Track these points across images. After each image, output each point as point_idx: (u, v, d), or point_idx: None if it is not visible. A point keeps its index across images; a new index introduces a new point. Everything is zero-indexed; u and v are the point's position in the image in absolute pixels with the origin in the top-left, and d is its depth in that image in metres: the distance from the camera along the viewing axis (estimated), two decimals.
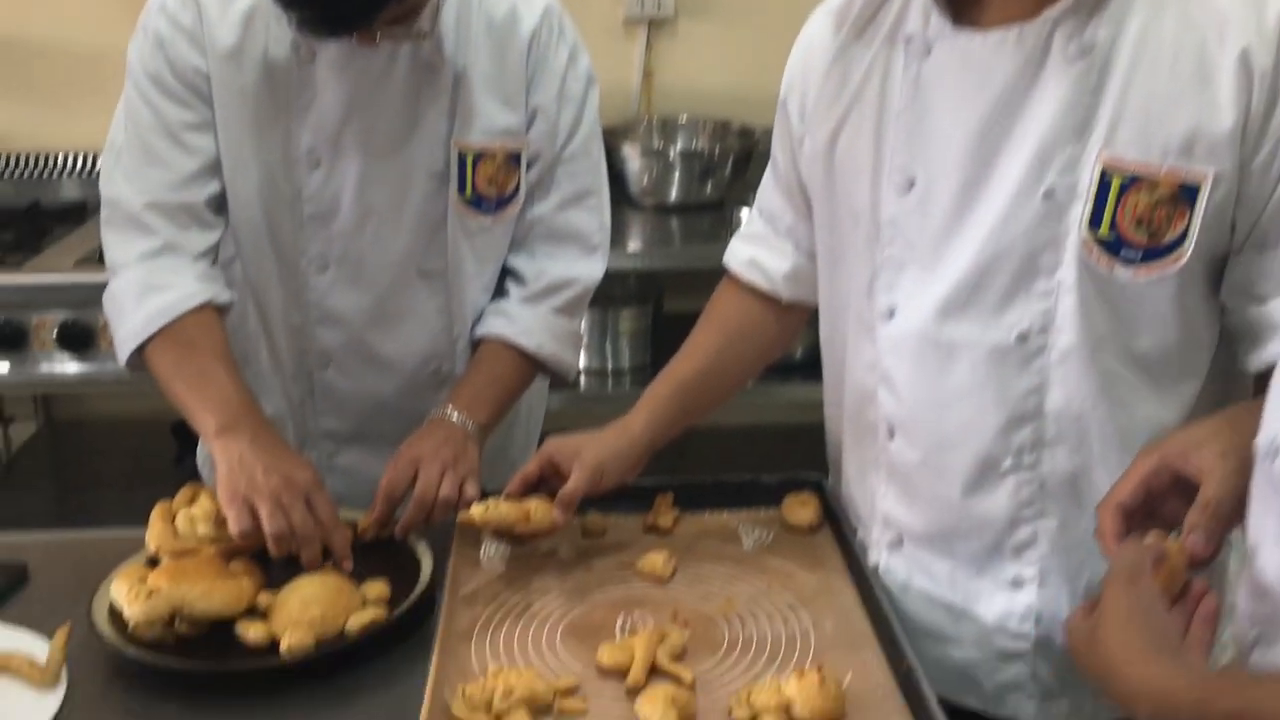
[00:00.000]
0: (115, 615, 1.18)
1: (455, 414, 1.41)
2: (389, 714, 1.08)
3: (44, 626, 1.18)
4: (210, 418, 1.30)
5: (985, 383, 1.06)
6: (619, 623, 1.19)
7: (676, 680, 1.09)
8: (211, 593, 1.15)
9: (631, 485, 1.41)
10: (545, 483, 1.28)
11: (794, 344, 1.91)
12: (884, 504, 1.21)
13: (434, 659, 1.10)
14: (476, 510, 1.24)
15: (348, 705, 1.10)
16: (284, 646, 1.12)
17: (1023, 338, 1.04)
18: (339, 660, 1.14)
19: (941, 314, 1.07)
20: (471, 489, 1.33)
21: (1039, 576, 1.10)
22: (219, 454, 1.28)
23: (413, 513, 1.31)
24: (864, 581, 1.22)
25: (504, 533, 1.29)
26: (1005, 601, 1.13)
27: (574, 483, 1.25)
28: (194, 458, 1.63)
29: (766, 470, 1.44)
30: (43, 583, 1.31)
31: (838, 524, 1.34)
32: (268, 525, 1.22)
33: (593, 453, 1.27)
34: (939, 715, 0.99)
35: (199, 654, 1.14)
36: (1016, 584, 1.11)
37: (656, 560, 1.28)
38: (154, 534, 1.28)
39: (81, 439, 2.80)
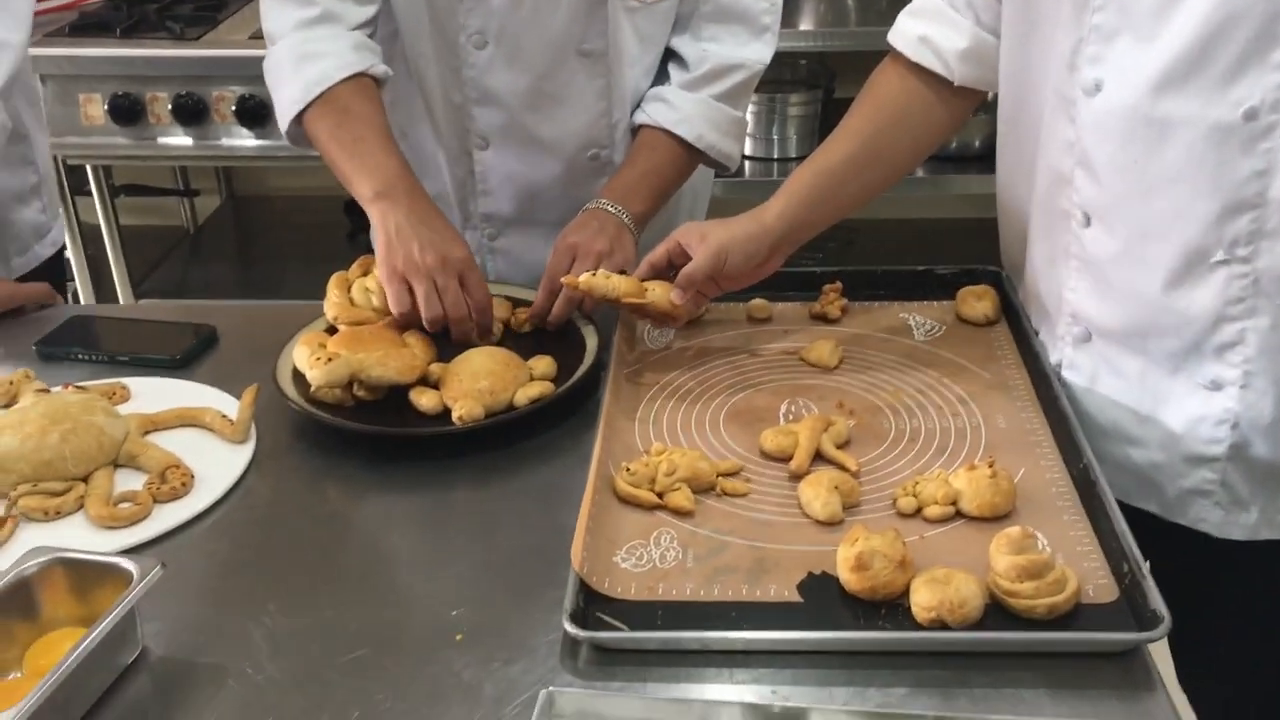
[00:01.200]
0: (298, 378, 1.23)
1: (609, 205, 1.38)
2: (553, 484, 1.11)
3: (232, 386, 1.25)
4: (366, 183, 1.30)
5: (1201, 165, 0.97)
6: (782, 409, 1.18)
7: (840, 467, 1.08)
8: (387, 360, 1.18)
9: (799, 272, 1.37)
10: (674, 268, 1.25)
11: (956, 135, 1.74)
12: (1072, 297, 1.14)
13: (599, 435, 1.11)
14: (584, 276, 1.22)
15: (514, 474, 1.13)
16: (455, 415, 1.15)
17: (1251, 115, 0.93)
18: (506, 431, 1.17)
19: (1157, 88, 0.97)
20: None
21: (1242, 379, 1.03)
22: (376, 221, 1.29)
23: (560, 306, 1.30)
24: (1042, 378, 1.17)
25: (639, 311, 1.25)
26: (1200, 404, 1.06)
27: (694, 263, 1.21)
28: (366, 234, 1.66)
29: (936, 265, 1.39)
30: (230, 346, 1.38)
31: (1015, 319, 1.28)
32: (424, 309, 1.24)
33: (718, 236, 1.22)
34: (1117, 514, 0.96)
35: (376, 418, 1.18)
36: (1215, 386, 1.04)
37: (823, 349, 1.25)
38: (331, 303, 1.32)
39: (262, 212, 2.92)
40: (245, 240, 2.86)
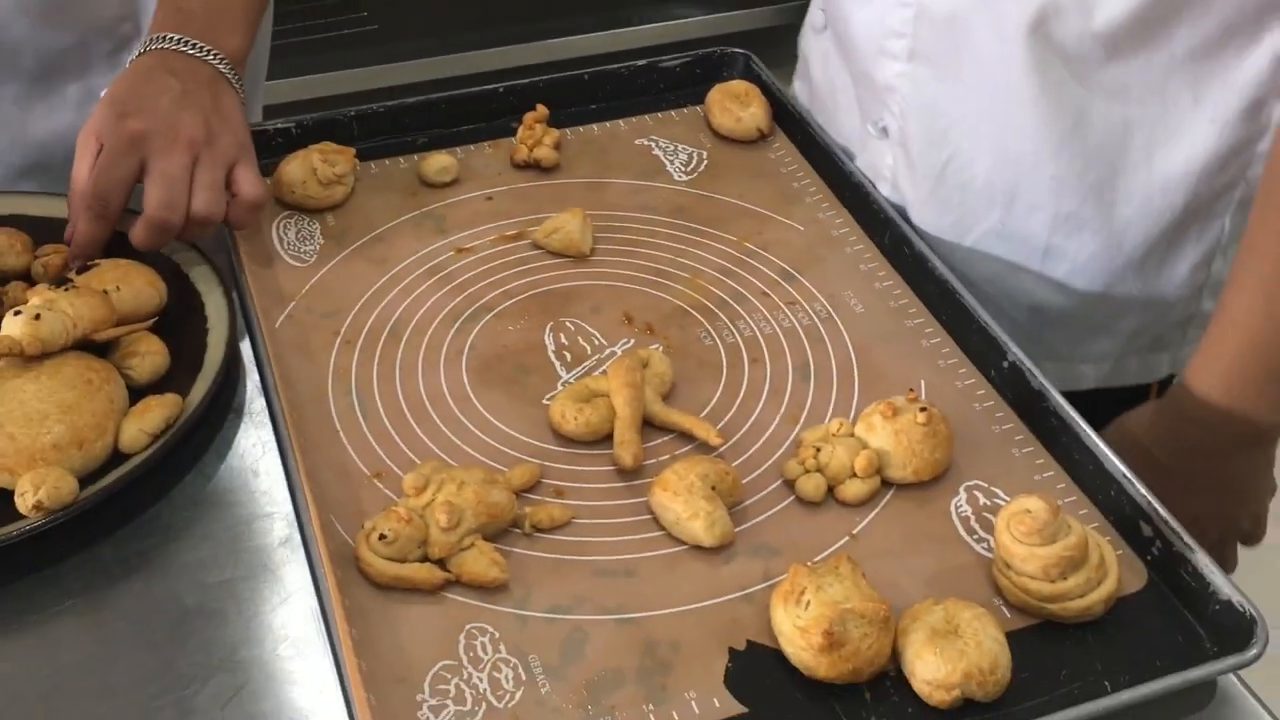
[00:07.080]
0: None
1: (184, 43, 0.81)
2: (212, 561, 0.65)
3: None
4: None
5: None
6: (549, 343, 0.78)
7: (684, 434, 0.71)
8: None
9: (470, 94, 0.94)
10: None
11: None
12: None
13: (295, 462, 0.66)
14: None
15: (149, 566, 0.66)
16: (27, 504, 0.62)
17: None
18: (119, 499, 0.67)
19: None
20: (250, 186, 0.78)
21: None
22: None
23: (144, 234, 0.76)
24: (874, 216, 0.85)
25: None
26: None
27: None
28: None
29: None
30: None
31: (797, 127, 0.94)
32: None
33: None
34: (1093, 439, 0.69)
35: None
36: None
37: (569, 226, 0.84)
38: None
39: None
40: None
